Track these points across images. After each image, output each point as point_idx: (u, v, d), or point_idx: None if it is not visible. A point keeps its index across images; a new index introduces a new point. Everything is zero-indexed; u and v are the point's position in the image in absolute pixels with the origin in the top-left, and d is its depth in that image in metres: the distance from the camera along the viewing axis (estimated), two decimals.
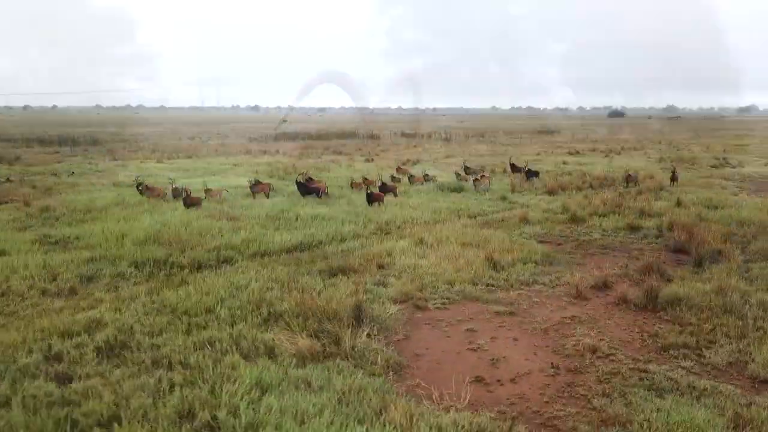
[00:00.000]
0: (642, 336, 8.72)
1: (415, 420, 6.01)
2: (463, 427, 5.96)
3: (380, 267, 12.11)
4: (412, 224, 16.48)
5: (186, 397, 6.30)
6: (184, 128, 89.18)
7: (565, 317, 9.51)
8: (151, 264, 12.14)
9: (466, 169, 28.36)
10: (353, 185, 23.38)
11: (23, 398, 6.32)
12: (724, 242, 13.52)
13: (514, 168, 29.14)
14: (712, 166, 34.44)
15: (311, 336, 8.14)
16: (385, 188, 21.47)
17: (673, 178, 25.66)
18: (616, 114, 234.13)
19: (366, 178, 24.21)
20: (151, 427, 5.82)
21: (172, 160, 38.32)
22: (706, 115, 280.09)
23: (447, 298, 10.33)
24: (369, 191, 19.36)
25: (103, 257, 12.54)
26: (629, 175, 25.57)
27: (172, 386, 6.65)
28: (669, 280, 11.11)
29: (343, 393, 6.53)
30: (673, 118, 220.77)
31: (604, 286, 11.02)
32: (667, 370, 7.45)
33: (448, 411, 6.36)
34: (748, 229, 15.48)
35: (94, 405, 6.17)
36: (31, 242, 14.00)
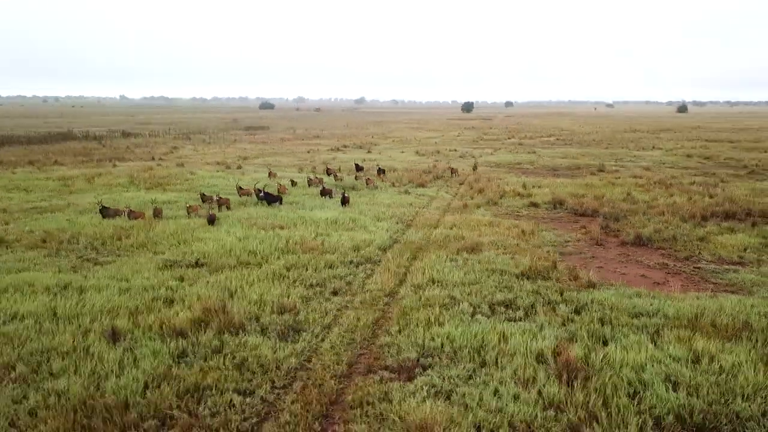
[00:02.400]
0: (666, 256, 16.73)
1: (679, 302, 12.61)
2: (698, 306, 12.80)
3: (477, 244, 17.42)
4: (412, 217, 21.57)
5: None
6: None
7: (618, 255, 16.92)
8: (373, 262, 14.99)
9: (328, 171, 33.21)
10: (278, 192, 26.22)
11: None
12: (604, 207, 22.85)
13: (358, 167, 35.15)
14: (460, 157, 46.18)
15: (566, 281, 13.71)
16: (325, 191, 25.34)
17: (475, 168, 35.66)
18: (267, 106, 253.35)
19: (280, 184, 27.22)
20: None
21: None
22: (342, 107, 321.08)
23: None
24: (344, 195, 23.24)
25: (293, 267, 14.65)
26: (452, 168, 34.49)
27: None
28: (617, 230, 19.59)
29: (639, 294, 12.66)
30: (317, 110, 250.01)
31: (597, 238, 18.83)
32: (707, 265, 15.54)
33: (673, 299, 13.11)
34: (587, 198, 25.38)
35: None
36: (164, 268, 14.58)
